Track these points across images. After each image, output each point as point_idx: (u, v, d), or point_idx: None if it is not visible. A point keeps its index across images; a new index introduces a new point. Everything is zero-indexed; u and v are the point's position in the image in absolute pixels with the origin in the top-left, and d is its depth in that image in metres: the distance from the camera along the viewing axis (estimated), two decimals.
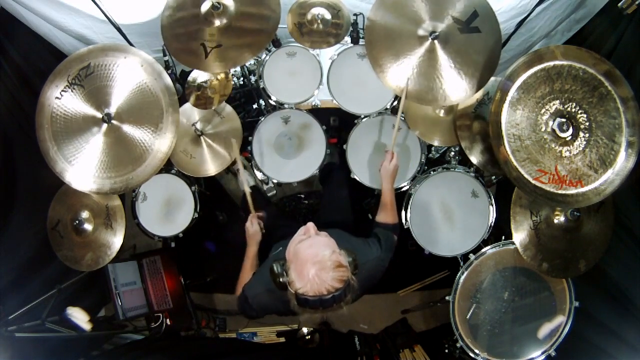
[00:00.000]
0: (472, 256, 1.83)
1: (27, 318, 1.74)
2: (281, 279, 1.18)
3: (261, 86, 2.09)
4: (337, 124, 2.51)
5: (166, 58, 1.84)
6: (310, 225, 1.28)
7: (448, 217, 1.98)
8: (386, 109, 2.04)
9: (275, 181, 2.11)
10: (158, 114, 1.53)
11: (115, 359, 2.18)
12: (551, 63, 1.44)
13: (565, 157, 1.45)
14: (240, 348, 2.47)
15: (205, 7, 1.64)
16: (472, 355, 1.80)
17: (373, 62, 1.61)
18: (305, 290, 1.14)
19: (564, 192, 1.46)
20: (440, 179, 1.98)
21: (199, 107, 1.97)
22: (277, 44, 2.00)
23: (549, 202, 1.49)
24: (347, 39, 1.93)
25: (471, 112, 1.84)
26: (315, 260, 1.14)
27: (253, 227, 1.67)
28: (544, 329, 1.80)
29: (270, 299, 1.36)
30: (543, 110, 1.45)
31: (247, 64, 2.27)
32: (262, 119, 2.08)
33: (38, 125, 1.54)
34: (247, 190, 1.70)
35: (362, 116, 2.06)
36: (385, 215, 1.58)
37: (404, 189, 2.06)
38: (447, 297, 1.82)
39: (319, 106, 2.21)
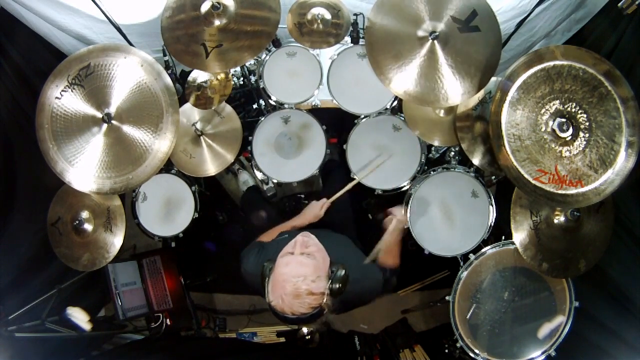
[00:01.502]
0: (472, 256, 1.83)
1: (27, 318, 1.74)
2: (265, 281, 1.20)
3: (261, 86, 2.09)
4: (338, 124, 2.50)
5: (166, 58, 1.84)
6: (299, 240, 1.24)
7: (448, 217, 1.98)
8: (386, 109, 2.04)
9: (275, 181, 2.11)
10: (158, 114, 1.53)
11: (115, 359, 2.18)
12: (551, 63, 1.44)
13: (565, 157, 1.45)
14: (240, 348, 2.47)
15: (205, 8, 1.64)
16: (472, 355, 1.80)
17: (375, 67, 1.60)
18: (274, 305, 1.16)
19: (564, 192, 1.46)
20: (440, 179, 1.98)
21: (199, 107, 1.97)
22: (277, 44, 2.00)
23: (549, 202, 1.49)
24: (347, 39, 1.93)
25: (472, 111, 1.84)
26: (285, 282, 1.13)
27: (321, 210, 1.70)
28: (544, 329, 1.80)
29: (256, 282, 1.35)
30: (543, 110, 1.45)
31: (247, 64, 2.27)
32: (262, 119, 2.08)
33: (38, 125, 1.54)
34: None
35: (362, 116, 2.06)
36: (386, 258, 1.57)
37: (404, 188, 2.06)
38: (447, 297, 1.82)
39: (319, 106, 2.21)
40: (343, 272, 1.17)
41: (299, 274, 1.14)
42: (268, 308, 1.21)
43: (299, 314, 1.13)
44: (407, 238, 1.98)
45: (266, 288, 1.19)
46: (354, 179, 2.05)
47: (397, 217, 1.73)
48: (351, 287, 1.20)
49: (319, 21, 1.83)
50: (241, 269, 1.46)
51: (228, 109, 2.07)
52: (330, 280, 1.17)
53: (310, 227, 1.65)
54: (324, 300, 1.15)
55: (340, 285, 1.16)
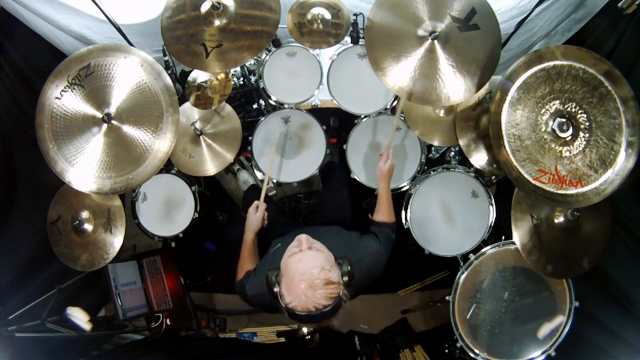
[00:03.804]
0: (472, 256, 1.83)
1: (27, 318, 1.74)
2: (274, 289, 1.19)
3: (261, 86, 2.09)
4: (337, 124, 2.51)
5: (166, 58, 1.84)
6: (304, 238, 1.25)
7: (448, 217, 1.98)
8: (386, 109, 2.04)
9: (275, 181, 2.11)
10: (158, 114, 1.53)
11: (115, 359, 2.18)
12: (551, 63, 1.44)
13: (565, 157, 1.45)
14: (240, 348, 2.47)
15: (205, 8, 1.64)
16: (472, 355, 1.80)
17: (373, 63, 1.61)
18: (294, 305, 1.14)
19: (564, 192, 1.46)
20: (440, 179, 1.98)
21: (199, 107, 1.97)
22: (277, 44, 2.00)
23: (549, 202, 1.49)
24: (347, 39, 1.93)
25: (473, 110, 1.83)
26: (303, 277, 1.13)
27: (257, 213, 1.66)
28: (544, 329, 1.80)
29: (268, 300, 1.36)
30: (543, 110, 1.45)
31: (247, 64, 2.27)
32: (262, 119, 2.08)
33: (38, 125, 1.54)
34: (266, 180, 1.78)
35: (362, 116, 2.06)
36: (382, 215, 1.58)
37: (404, 189, 2.06)
38: (447, 297, 1.82)
39: (319, 106, 2.21)
40: (349, 267, 1.19)
41: (315, 265, 1.15)
42: (285, 314, 1.19)
43: (322, 306, 1.13)
44: (407, 238, 1.99)
45: (279, 294, 1.18)
46: (354, 179, 2.06)
47: (379, 168, 1.64)
48: (357, 270, 1.21)
49: (319, 21, 1.83)
50: (246, 298, 1.43)
51: (228, 108, 2.07)
52: (340, 273, 1.18)
53: (305, 227, 1.65)
54: (342, 290, 1.16)
55: (348, 278, 1.18)
